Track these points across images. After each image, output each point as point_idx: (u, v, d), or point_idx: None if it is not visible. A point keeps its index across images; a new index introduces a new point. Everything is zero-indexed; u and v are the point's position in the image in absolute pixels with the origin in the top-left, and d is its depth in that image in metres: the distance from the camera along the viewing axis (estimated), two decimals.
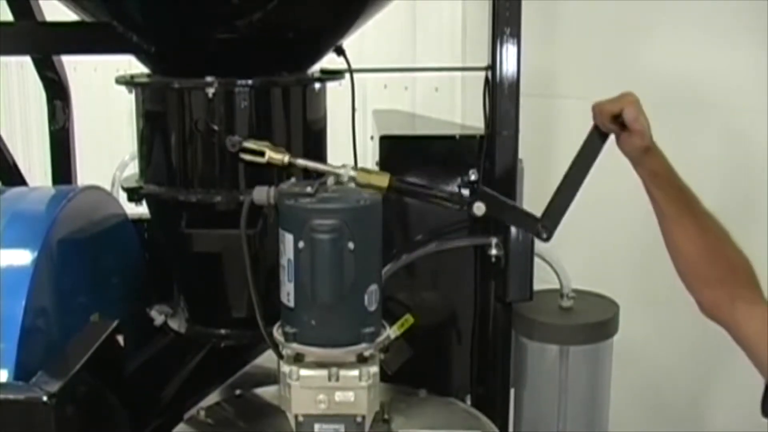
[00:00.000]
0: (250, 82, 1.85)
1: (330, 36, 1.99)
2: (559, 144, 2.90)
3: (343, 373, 1.64)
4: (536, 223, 1.84)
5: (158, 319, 2.09)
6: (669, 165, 1.78)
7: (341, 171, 1.76)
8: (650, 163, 1.77)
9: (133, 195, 1.97)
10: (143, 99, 1.95)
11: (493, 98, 1.97)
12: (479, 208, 1.85)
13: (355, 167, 1.80)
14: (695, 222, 1.78)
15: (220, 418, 1.90)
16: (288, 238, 1.60)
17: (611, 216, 2.97)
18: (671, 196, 1.80)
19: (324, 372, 1.64)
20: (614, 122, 1.74)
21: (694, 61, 2.81)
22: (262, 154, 1.74)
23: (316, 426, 1.66)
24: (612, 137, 1.80)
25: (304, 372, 1.64)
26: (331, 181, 1.72)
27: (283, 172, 1.81)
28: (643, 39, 2.92)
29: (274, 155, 1.73)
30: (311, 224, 1.57)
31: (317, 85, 1.96)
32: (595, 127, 1.80)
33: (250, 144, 1.76)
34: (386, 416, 1.80)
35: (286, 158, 1.72)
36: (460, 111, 3.31)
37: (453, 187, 2.03)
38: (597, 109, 1.77)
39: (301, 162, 1.69)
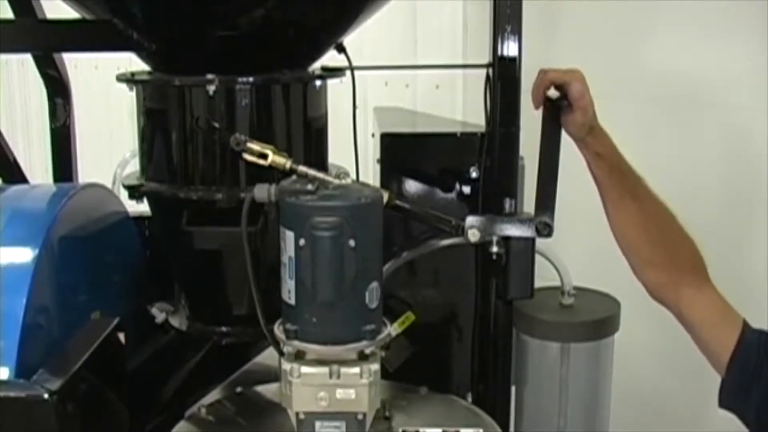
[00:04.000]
0: (250, 79, 1.85)
1: (331, 33, 1.99)
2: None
3: (344, 370, 1.64)
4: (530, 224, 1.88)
5: (159, 317, 2.09)
6: (613, 147, 1.80)
7: (342, 183, 1.75)
8: (593, 144, 1.79)
9: (134, 192, 1.96)
10: (144, 96, 1.95)
11: (494, 95, 1.97)
12: (474, 235, 1.87)
13: (356, 181, 1.80)
14: (637, 205, 1.80)
15: (221, 415, 1.90)
16: (289, 236, 1.60)
17: None
18: (614, 179, 1.82)
19: (325, 369, 1.63)
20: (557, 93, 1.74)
21: (694, 59, 2.81)
22: (265, 156, 1.74)
23: (317, 423, 1.66)
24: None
25: (305, 369, 1.64)
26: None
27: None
28: (643, 37, 2.92)
29: (277, 159, 1.73)
30: (312, 222, 1.57)
31: (318, 83, 1.96)
32: (545, 102, 1.80)
33: (254, 145, 1.75)
34: (387, 414, 1.80)
35: (289, 163, 1.72)
36: (461, 108, 3.32)
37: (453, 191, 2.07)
38: (542, 75, 1.76)
39: (303, 169, 1.69)
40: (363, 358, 1.66)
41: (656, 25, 2.88)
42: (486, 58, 2.00)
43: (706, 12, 2.75)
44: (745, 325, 1.75)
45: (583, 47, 3.03)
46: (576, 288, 2.27)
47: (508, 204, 1.96)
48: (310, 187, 1.64)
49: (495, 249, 1.95)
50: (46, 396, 1.51)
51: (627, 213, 1.82)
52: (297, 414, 1.66)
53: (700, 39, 2.79)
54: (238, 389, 2.01)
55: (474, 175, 2.05)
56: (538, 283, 2.10)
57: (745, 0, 2.64)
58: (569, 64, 3.01)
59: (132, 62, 2.04)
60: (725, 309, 1.77)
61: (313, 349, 1.63)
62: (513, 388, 2.20)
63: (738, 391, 1.72)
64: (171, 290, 2.13)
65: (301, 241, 1.58)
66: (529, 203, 1.97)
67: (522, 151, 2.00)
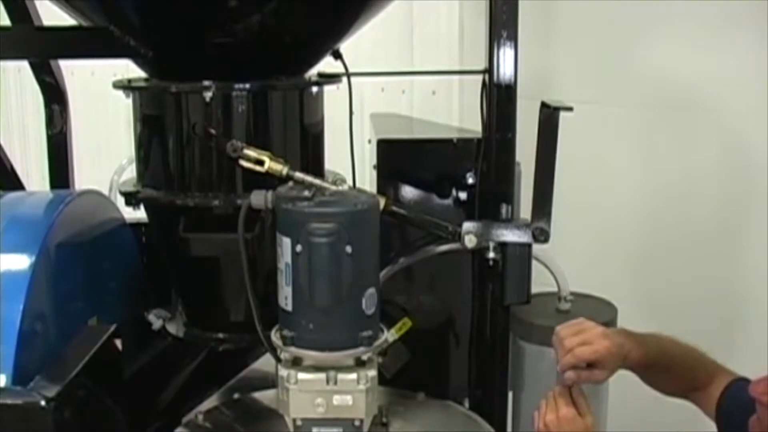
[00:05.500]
0: (247, 86, 1.85)
1: (327, 40, 1.99)
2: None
3: (341, 376, 1.64)
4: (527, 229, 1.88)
5: (156, 323, 2.09)
6: (642, 353, 1.80)
7: (339, 189, 1.75)
8: (629, 364, 1.80)
9: (131, 199, 1.97)
10: (141, 103, 1.95)
11: (490, 101, 1.98)
12: (470, 240, 1.87)
13: (353, 187, 1.80)
14: (665, 375, 1.85)
15: (218, 421, 1.90)
16: (285, 242, 1.60)
17: (609, 219, 2.98)
18: (648, 375, 1.87)
19: (322, 375, 1.64)
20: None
21: (692, 63, 2.81)
22: (261, 163, 1.74)
23: (315, 430, 1.66)
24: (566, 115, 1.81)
25: (302, 375, 1.64)
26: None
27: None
28: (640, 42, 2.92)
29: (273, 166, 1.73)
30: (309, 228, 1.57)
31: (315, 89, 1.96)
32: (542, 107, 1.81)
33: (251, 151, 1.76)
34: (384, 419, 1.81)
35: (285, 170, 1.72)
36: (457, 114, 3.32)
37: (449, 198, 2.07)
38: (558, 343, 1.77)
39: (300, 175, 1.69)
40: (360, 364, 1.66)
41: (653, 30, 2.88)
42: (482, 64, 2.00)
43: (704, 17, 2.75)
44: (737, 379, 1.80)
45: (580, 53, 3.03)
46: (573, 293, 2.27)
47: (504, 210, 1.97)
48: (306, 193, 1.65)
49: (492, 255, 1.95)
50: (43, 403, 1.51)
51: (658, 380, 1.88)
52: (294, 420, 1.66)
53: (697, 44, 2.79)
54: (236, 395, 2.02)
55: (470, 180, 2.06)
56: (535, 288, 2.10)
57: (743, 5, 2.65)
58: (566, 68, 3.03)
59: (129, 69, 2.04)
60: (731, 379, 1.82)
61: (310, 356, 1.64)
62: (510, 394, 2.20)
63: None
64: (168, 297, 2.13)
65: (298, 248, 1.58)
66: (525, 209, 1.97)
67: (518, 157, 2.01)
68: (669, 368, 1.85)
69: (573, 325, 1.78)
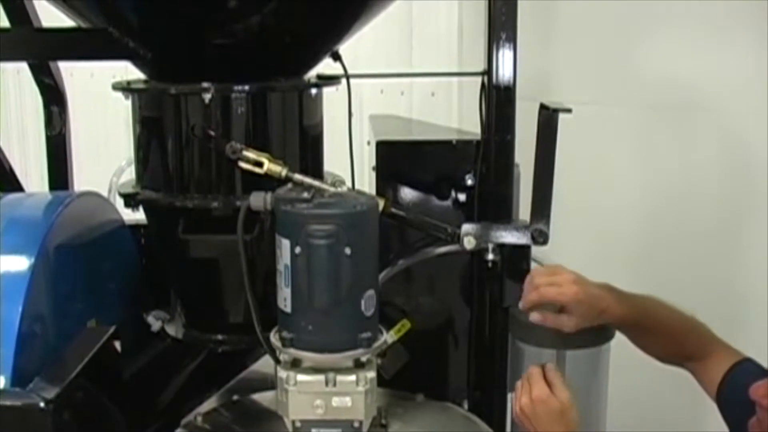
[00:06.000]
0: (246, 87, 1.85)
1: (326, 41, 1.99)
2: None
3: (340, 378, 1.64)
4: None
5: (155, 325, 2.09)
6: (625, 309, 1.81)
7: (338, 191, 1.75)
8: (607, 321, 1.83)
9: (130, 201, 1.96)
10: (140, 105, 1.95)
11: (489, 103, 1.98)
12: (469, 242, 1.87)
13: (352, 188, 1.80)
14: (654, 337, 1.88)
15: (218, 423, 1.90)
16: (285, 244, 1.60)
17: (609, 219, 2.98)
18: (632, 331, 1.89)
19: (321, 377, 1.64)
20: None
21: (692, 63, 2.82)
22: (260, 164, 1.74)
23: (314, 431, 1.66)
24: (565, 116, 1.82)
25: (301, 377, 1.64)
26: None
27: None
28: (640, 42, 2.92)
29: (272, 167, 1.73)
30: (308, 229, 1.57)
31: (314, 91, 1.96)
32: (541, 109, 1.81)
33: (250, 153, 1.76)
34: (383, 421, 1.81)
35: (284, 171, 1.72)
36: (456, 116, 3.32)
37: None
38: (530, 283, 1.80)
39: (299, 177, 1.69)
40: (359, 365, 1.66)
41: (653, 30, 2.88)
42: (481, 65, 2.00)
43: (704, 17, 2.75)
44: (740, 362, 1.80)
45: (579, 54, 3.03)
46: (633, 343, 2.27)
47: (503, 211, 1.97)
48: (305, 195, 1.65)
49: (491, 256, 1.95)
50: (42, 405, 1.51)
51: (647, 343, 1.90)
52: (293, 422, 1.66)
53: (697, 44, 2.79)
54: (235, 397, 2.01)
55: (469, 182, 2.05)
56: None
57: (743, 5, 2.65)
58: (566, 69, 3.03)
59: (128, 71, 2.04)
60: (734, 362, 1.82)
61: (309, 357, 1.64)
62: (509, 395, 2.20)
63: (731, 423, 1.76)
64: (167, 298, 2.13)
65: (297, 249, 1.58)
66: (524, 211, 1.97)
67: (517, 159, 2.01)
68: (655, 330, 1.85)
69: (549, 267, 1.79)
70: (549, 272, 1.80)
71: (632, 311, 1.81)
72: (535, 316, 1.77)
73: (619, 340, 2.23)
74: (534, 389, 1.69)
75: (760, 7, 2.60)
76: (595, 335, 2.21)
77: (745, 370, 1.75)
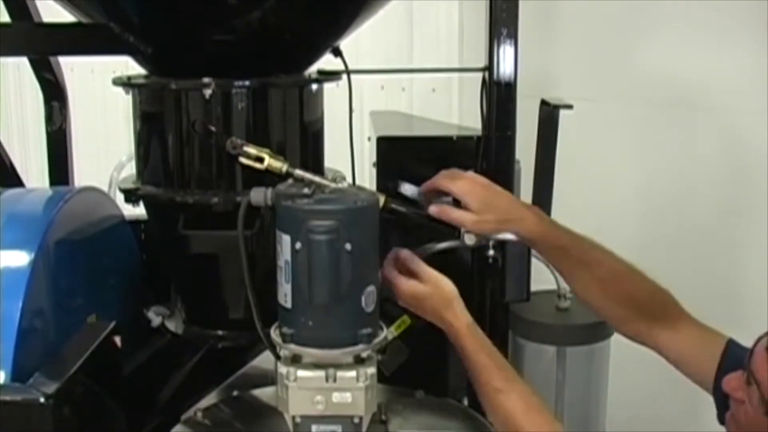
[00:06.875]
0: (247, 83, 1.85)
1: (327, 37, 1.99)
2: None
3: (340, 374, 1.63)
4: None
5: (155, 321, 2.09)
6: (543, 226, 1.76)
7: (338, 187, 1.75)
8: (519, 234, 1.75)
9: (130, 196, 1.97)
10: (140, 100, 1.95)
11: (490, 99, 1.98)
12: (470, 238, 1.87)
13: (353, 184, 1.80)
14: (590, 273, 1.79)
15: (218, 419, 1.90)
16: (285, 239, 1.60)
17: (608, 218, 2.98)
18: (558, 256, 1.80)
19: (321, 373, 1.63)
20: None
21: (693, 62, 2.82)
22: (261, 160, 1.74)
23: (314, 427, 1.66)
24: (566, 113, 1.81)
25: (301, 373, 1.64)
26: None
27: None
28: (640, 40, 2.92)
29: (273, 163, 1.73)
30: (308, 225, 1.57)
31: (314, 86, 1.96)
32: (542, 105, 1.80)
33: (250, 149, 1.75)
34: (383, 417, 1.81)
35: (285, 167, 1.72)
36: (457, 112, 3.32)
37: None
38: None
39: (299, 172, 1.69)
40: (359, 361, 1.66)
41: (654, 28, 2.88)
42: (482, 61, 2.00)
43: (704, 15, 2.76)
44: (729, 346, 1.72)
45: (580, 51, 3.03)
46: (572, 291, 2.26)
47: None
48: (306, 190, 1.64)
49: (491, 252, 1.95)
50: (42, 400, 1.50)
51: (582, 282, 1.81)
52: (293, 417, 1.66)
53: (697, 42, 2.80)
54: (235, 393, 2.01)
55: None
56: (534, 286, 2.10)
57: (743, 5, 2.65)
58: (566, 66, 3.03)
59: (128, 66, 2.04)
60: (705, 339, 1.76)
61: (309, 353, 1.63)
62: None
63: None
64: (167, 294, 2.13)
65: (298, 245, 1.58)
66: None
67: (518, 155, 2.01)
68: (591, 266, 1.78)
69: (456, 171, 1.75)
70: (456, 174, 1.75)
71: (557, 233, 1.75)
72: (433, 208, 1.72)
73: (620, 340, 2.24)
74: (400, 286, 1.69)
75: (760, 7, 2.60)
76: (595, 332, 2.22)
77: (732, 356, 1.70)
